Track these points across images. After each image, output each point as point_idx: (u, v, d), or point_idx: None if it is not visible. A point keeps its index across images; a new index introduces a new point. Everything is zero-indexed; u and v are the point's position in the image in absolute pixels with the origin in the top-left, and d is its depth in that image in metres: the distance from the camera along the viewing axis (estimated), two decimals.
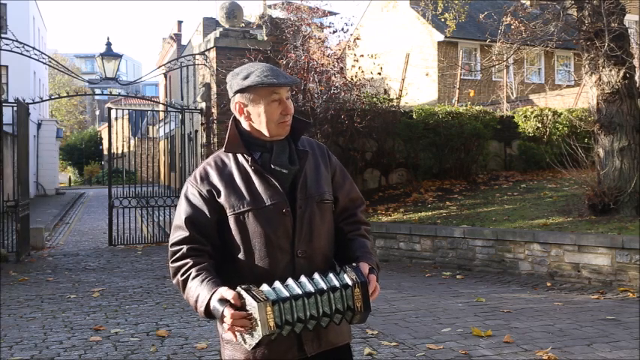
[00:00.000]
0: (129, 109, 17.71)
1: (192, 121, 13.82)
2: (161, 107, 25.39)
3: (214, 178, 2.22)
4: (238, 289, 2.00)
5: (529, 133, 14.25)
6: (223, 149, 2.26)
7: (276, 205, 2.18)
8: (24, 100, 11.47)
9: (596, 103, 9.39)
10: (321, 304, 2.04)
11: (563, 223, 9.15)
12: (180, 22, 37.84)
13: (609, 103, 9.23)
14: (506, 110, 16.83)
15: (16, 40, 11.53)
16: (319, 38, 12.67)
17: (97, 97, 63.53)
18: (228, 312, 1.98)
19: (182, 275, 2.19)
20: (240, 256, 2.19)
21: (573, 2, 9.64)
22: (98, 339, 5.49)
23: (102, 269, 9.75)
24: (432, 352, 4.92)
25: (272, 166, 2.21)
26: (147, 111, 23.89)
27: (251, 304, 1.97)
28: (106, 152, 38.59)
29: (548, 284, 7.91)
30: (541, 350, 4.86)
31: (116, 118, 14.17)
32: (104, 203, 19.75)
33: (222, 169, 2.24)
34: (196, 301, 2.11)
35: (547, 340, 5.20)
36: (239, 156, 2.24)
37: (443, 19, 17.45)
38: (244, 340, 2.03)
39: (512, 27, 10.59)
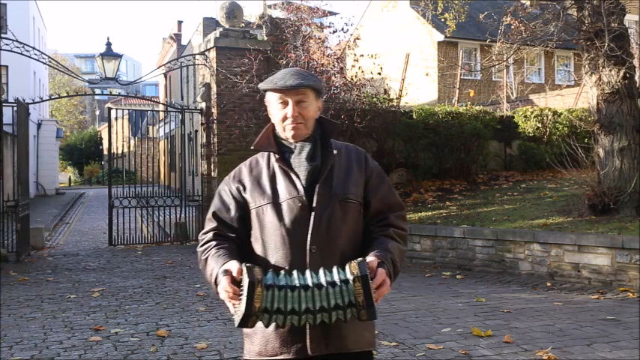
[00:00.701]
0: (129, 109, 17.71)
1: (192, 121, 13.82)
2: (161, 107, 25.40)
3: (244, 176, 2.37)
4: (243, 265, 2.07)
5: (529, 133, 14.25)
6: (253, 146, 2.39)
7: (294, 200, 2.26)
8: (24, 100, 11.47)
9: (596, 103, 9.39)
10: (318, 298, 2.05)
11: (563, 223, 9.15)
12: (180, 22, 37.84)
13: (609, 103, 9.23)
14: (506, 110, 16.83)
15: (16, 40, 11.52)
16: (319, 38, 12.66)
17: (97, 97, 63.54)
18: (224, 280, 2.09)
19: (204, 254, 2.30)
20: (258, 248, 2.29)
21: (573, 2, 9.64)
22: (98, 339, 5.49)
23: (102, 269, 9.75)
24: (432, 352, 4.92)
25: (292, 164, 2.31)
26: (147, 111, 23.89)
27: (245, 280, 2.02)
28: (106, 152, 38.59)
29: (548, 284, 7.91)
30: (541, 350, 4.86)
31: (116, 118, 14.17)
32: (104, 203, 19.75)
33: (253, 168, 2.38)
34: (211, 274, 2.22)
35: (547, 340, 5.20)
36: (271, 155, 2.35)
37: (443, 19, 17.45)
38: (235, 317, 2.08)
39: (512, 27, 10.59)
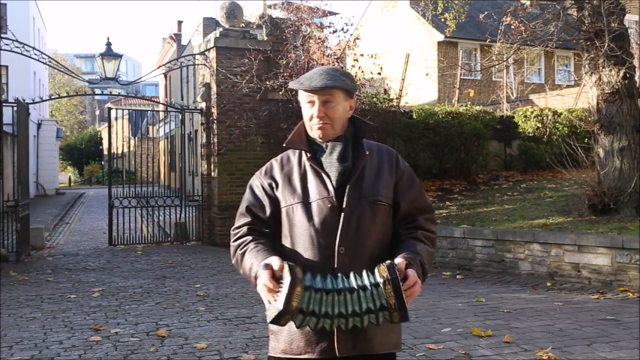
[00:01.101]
0: (129, 109, 17.71)
1: (192, 121, 13.82)
2: (161, 107, 25.40)
3: (276, 172, 2.36)
4: (285, 262, 2.08)
5: (529, 133, 14.25)
6: (285, 143, 2.38)
7: (324, 201, 2.26)
8: (24, 100, 11.47)
9: (596, 103, 9.39)
10: (350, 302, 2.05)
11: (563, 223, 9.15)
12: (180, 22, 37.84)
13: (609, 103, 9.23)
14: (506, 110, 16.83)
15: (16, 40, 11.52)
16: (319, 38, 12.66)
17: (97, 97, 63.54)
18: (265, 275, 2.08)
19: (241, 249, 2.29)
20: (287, 247, 2.29)
21: (573, 2, 9.64)
22: (98, 339, 5.48)
23: (102, 269, 9.75)
24: (432, 352, 4.92)
25: (323, 163, 2.30)
26: (147, 111, 23.88)
27: (286, 277, 2.02)
28: (106, 152, 38.59)
29: (548, 284, 7.91)
30: (541, 350, 4.86)
31: (116, 118, 14.17)
32: (104, 203, 19.75)
33: (284, 165, 2.37)
34: (250, 269, 2.21)
35: (547, 340, 5.20)
36: (303, 153, 2.35)
37: (443, 19, 17.45)
38: (268, 313, 2.08)
39: (512, 27, 10.59)
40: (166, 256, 10.99)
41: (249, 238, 2.29)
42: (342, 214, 2.24)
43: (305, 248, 2.25)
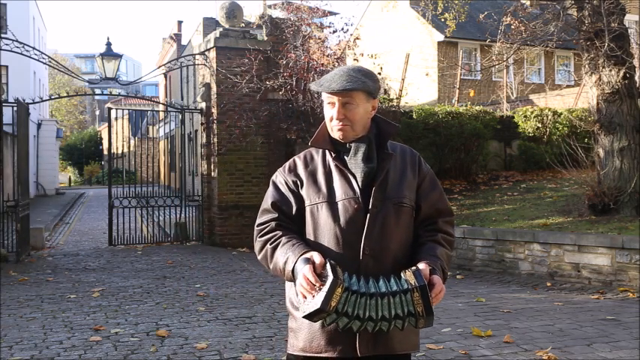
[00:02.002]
0: (129, 109, 17.69)
1: (192, 121, 13.82)
2: (161, 107, 25.40)
3: (300, 170, 2.36)
4: (328, 260, 2.08)
5: (529, 133, 14.25)
6: (310, 143, 2.38)
7: (349, 201, 2.26)
8: (24, 100, 11.46)
9: (596, 103, 9.39)
10: (380, 307, 2.07)
11: (563, 223, 9.15)
12: (180, 22, 37.85)
13: (609, 103, 9.23)
14: (506, 110, 16.83)
15: (16, 40, 11.52)
16: (319, 38, 12.66)
17: (97, 97, 63.54)
18: (307, 268, 2.07)
19: (272, 243, 2.26)
20: (312, 246, 2.27)
21: (573, 2, 9.64)
22: (98, 339, 5.48)
23: (102, 269, 9.74)
24: (432, 352, 4.92)
25: (348, 164, 2.30)
26: (147, 111, 23.87)
27: (329, 276, 2.02)
28: (106, 152, 38.59)
29: (548, 284, 7.91)
30: (541, 350, 4.86)
31: (116, 118, 14.17)
32: (104, 203, 19.75)
33: (308, 163, 2.37)
34: (285, 262, 2.18)
35: (547, 340, 5.20)
36: (327, 152, 2.34)
37: (443, 19, 17.44)
38: (302, 307, 2.08)
39: (512, 27, 10.59)
40: (166, 256, 10.98)
41: (279, 232, 2.28)
42: (368, 215, 2.24)
43: (330, 248, 2.24)
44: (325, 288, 2.01)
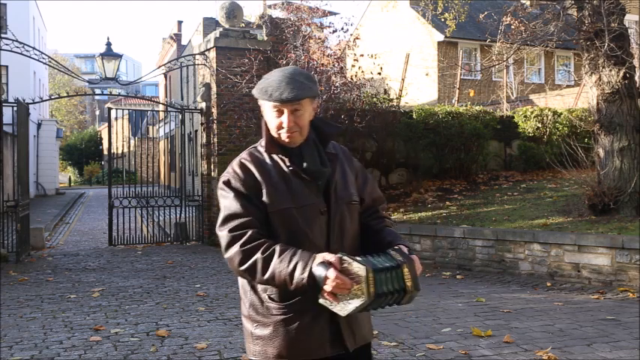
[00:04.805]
0: (129, 109, 17.70)
1: (192, 121, 13.83)
2: (161, 107, 25.37)
3: (255, 172, 2.29)
4: (339, 254, 2.08)
5: (529, 133, 14.25)
6: (264, 150, 2.33)
7: (314, 205, 2.27)
8: (24, 100, 11.47)
9: (596, 103, 9.39)
10: (392, 281, 2.09)
11: (563, 223, 9.15)
12: (180, 22, 37.87)
13: (609, 103, 9.22)
14: (506, 110, 16.83)
15: (16, 40, 11.52)
16: (319, 38, 12.66)
17: (97, 97, 63.55)
18: (332, 273, 2.04)
19: (263, 253, 2.17)
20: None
21: (573, 2, 9.64)
22: (98, 339, 5.49)
23: (102, 269, 9.75)
24: (432, 352, 4.92)
25: (304, 168, 2.29)
26: (147, 111, 23.87)
27: (358, 267, 2.02)
28: (106, 152, 38.58)
29: (548, 284, 7.91)
30: (541, 350, 4.86)
31: (116, 118, 14.17)
32: (104, 203, 19.75)
33: (260, 165, 2.31)
34: (293, 272, 2.11)
35: (547, 340, 5.20)
36: (274, 155, 2.32)
37: (443, 19, 17.45)
38: (339, 307, 2.07)
39: (512, 27, 10.58)
40: (166, 256, 10.98)
41: (267, 241, 2.19)
42: (329, 217, 2.29)
43: None
44: (363, 280, 2.01)
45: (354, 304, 2.04)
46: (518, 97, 20.84)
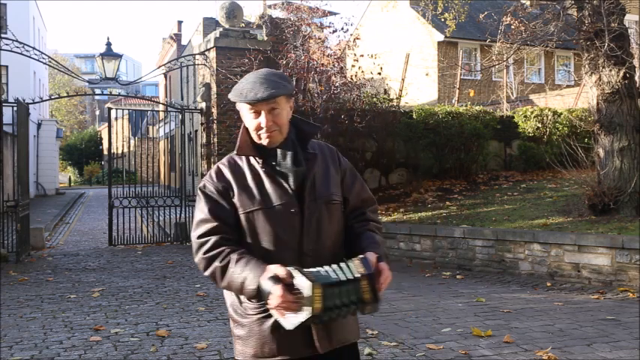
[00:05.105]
0: (129, 109, 17.70)
1: (192, 121, 13.83)
2: (161, 107, 25.38)
3: (229, 177, 2.32)
4: (289, 268, 2.07)
5: (529, 133, 14.25)
6: (235, 152, 2.36)
7: (285, 205, 2.27)
8: (24, 100, 11.47)
9: (596, 103, 9.39)
10: (346, 294, 2.08)
11: (563, 223, 9.15)
12: (180, 22, 37.88)
13: (609, 103, 9.22)
14: (506, 110, 16.83)
15: (16, 40, 11.52)
16: (319, 38, 12.67)
17: (97, 97, 63.56)
18: (278, 290, 2.05)
19: (221, 262, 2.21)
20: (256, 254, 2.25)
21: (573, 2, 9.64)
22: (98, 339, 5.49)
23: (102, 269, 9.75)
24: (432, 352, 4.92)
25: (277, 168, 2.30)
26: (147, 111, 23.88)
27: (301, 283, 2.02)
28: (106, 152, 38.58)
29: (548, 284, 7.91)
30: (541, 350, 4.86)
31: (116, 118, 14.17)
32: (104, 203, 19.75)
33: (235, 170, 2.34)
34: (243, 282, 2.15)
35: (547, 340, 5.20)
36: (251, 158, 2.34)
37: (443, 19, 17.46)
38: (286, 320, 2.09)
39: (512, 27, 10.58)
40: (166, 256, 10.98)
41: (227, 249, 2.22)
42: (303, 217, 2.27)
43: (270, 253, 2.24)
44: (306, 295, 2.00)
45: (299, 318, 2.04)
46: (518, 97, 20.85)
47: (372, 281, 2.09)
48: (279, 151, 2.31)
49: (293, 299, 2.04)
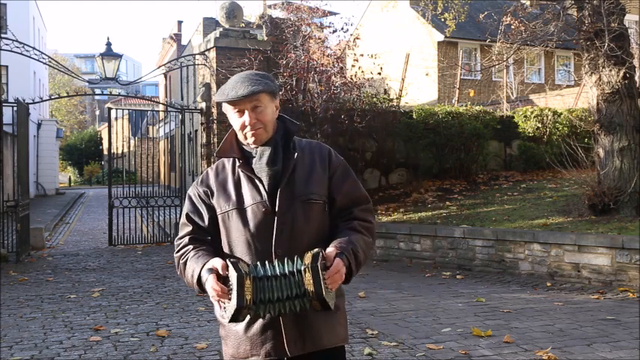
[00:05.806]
0: (129, 109, 17.70)
1: (192, 121, 13.83)
2: (161, 107, 25.38)
3: (211, 180, 2.40)
4: (228, 260, 2.12)
5: (529, 133, 14.25)
6: (215, 154, 2.43)
7: (257, 206, 2.29)
8: (24, 100, 11.47)
9: (596, 103, 9.39)
10: (279, 288, 2.08)
11: (563, 223, 9.15)
12: (180, 22, 37.87)
13: (609, 103, 9.23)
14: (506, 110, 16.83)
15: (16, 40, 11.52)
16: (319, 38, 12.67)
17: (97, 97, 63.54)
18: (211, 279, 2.12)
19: (183, 259, 2.33)
20: (227, 253, 2.32)
21: (573, 2, 9.64)
22: (98, 339, 5.49)
23: (102, 269, 9.75)
24: (432, 352, 4.92)
25: (252, 167, 2.33)
26: (147, 111, 23.87)
27: (231, 274, 2.06)
28: (106, 152, 38.58)
29: (548, 284, 7.91)
30: (541, 350, 4.86)
31: (116, 118, 14.17)
32: (104, 203, 19.75)
33: (219, 173, 2.41)
34: (192, 275, 2.25)
35: (547, 340, 5.20)
36: (236, 160, 2.38)
37: (443, 19, 17.46)
38: (225, 314, 2.12)
39: (512, 27, 10.59)
40: (166, 256, 10.98)
41: (190, 247, 2.33)
42: (276, 217, 2.27)
43: (243, 253, 2.28)
44: (234, 286, 2.04)
45: (229, 310, 2.07)
46: (518, 97, 20.84)
47: (315, 274, 2.05)
48: (257, 150, 2.34)
49: (224, 289, 2.08)
